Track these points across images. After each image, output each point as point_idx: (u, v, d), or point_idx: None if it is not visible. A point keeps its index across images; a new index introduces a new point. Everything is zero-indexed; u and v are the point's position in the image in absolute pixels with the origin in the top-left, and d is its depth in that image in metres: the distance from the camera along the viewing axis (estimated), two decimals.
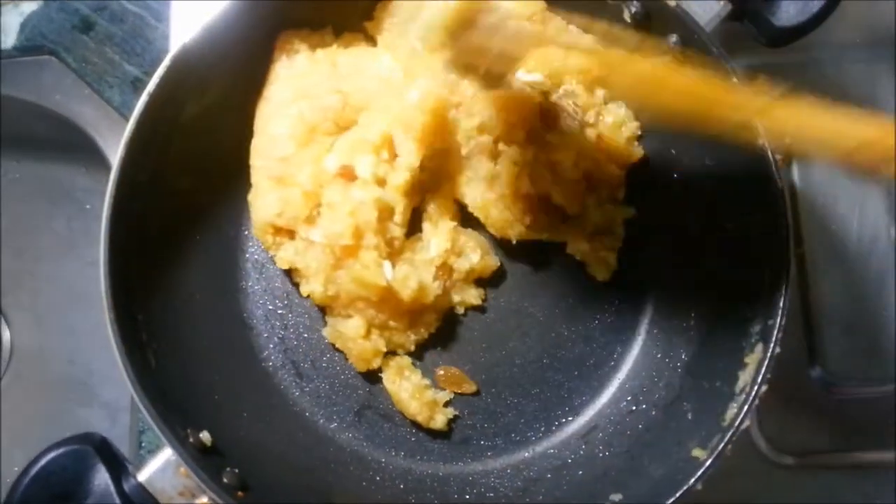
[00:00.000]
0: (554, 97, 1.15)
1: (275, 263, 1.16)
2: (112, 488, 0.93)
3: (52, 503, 0.92)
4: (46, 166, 1.51)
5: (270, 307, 1.19)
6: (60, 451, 0.94)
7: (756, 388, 0.97)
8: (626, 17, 1.07)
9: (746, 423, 0.97)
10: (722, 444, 0.96)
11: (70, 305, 1.48)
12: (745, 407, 0.97)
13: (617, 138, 1.15)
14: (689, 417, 1.07)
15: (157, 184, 1.07)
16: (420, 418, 1.15)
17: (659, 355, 1.16)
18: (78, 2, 1.40)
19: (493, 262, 1.18)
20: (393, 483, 1.14)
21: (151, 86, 1.02)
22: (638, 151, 1.17)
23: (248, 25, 1.08)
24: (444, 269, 1.15)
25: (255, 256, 1.20)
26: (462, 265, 1.16)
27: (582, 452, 1.14)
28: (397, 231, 1.12)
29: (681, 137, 1.15)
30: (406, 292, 1.10)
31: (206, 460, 0.97)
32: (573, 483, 1.12)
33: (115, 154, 1.02)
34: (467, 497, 1.13)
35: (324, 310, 1.18)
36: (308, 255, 1.11)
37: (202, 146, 1.13)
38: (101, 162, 1.33)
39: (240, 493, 0.97)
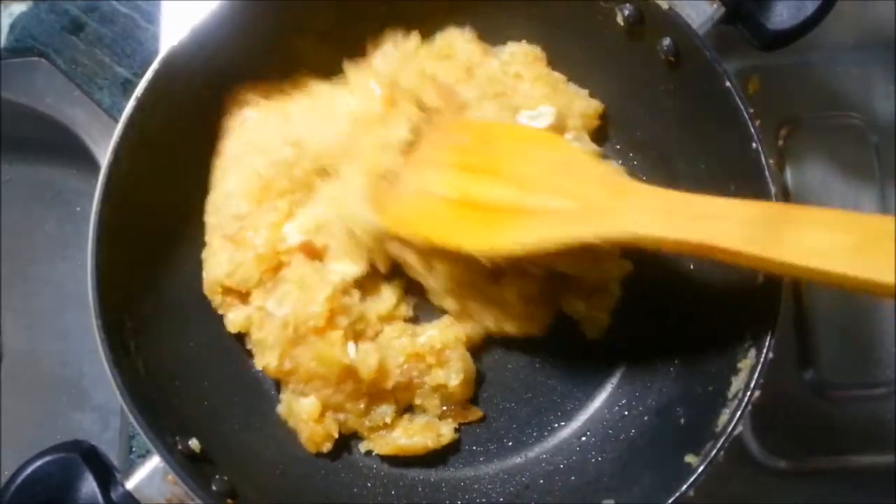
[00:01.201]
0: None
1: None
2: (99, 497, 0.92)
3: None
4: (36, 168, 1.50)
5: None
6: (47, 458, 0.93)
7: (749, 393, 0.96)
8: (619, 20, 1.06)
9: (739, 428, 0.96)
10: (714, 451, 0.96)
11: (61, 307, 1.47)
12: (738, 413, 0.96)
13: None
14: (682, 423, 1.07)
15: (146, 188, 1.06)
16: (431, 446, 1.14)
17: (651, 360, 1.16)
18: (68, 3, 1.39)
19: (467, 393, 1.15)
20: (384, 489, 1.14)
21: (140, 90, 1.01)
22: None
23: (237, 28, 1.07)
24: (416, 361, 1.12)
25: None
26: (436, 377, 1.12)
27: (574, 458, 1.14)
28: (372, 315, 1.12)
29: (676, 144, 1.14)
30: (364, 370, 1.07)
31: (194, 468, 0.97)
32: (565, 489, 1.12)
33: (105, 155, 1.01)
34: (459, 503, 1.13)
35: (278, 383, 1.15)
36: (265, 326, 1.08)
37: (191, 150, 1.12)
38: (92, 164, 1.32)
39: (229, 501, 0.97)
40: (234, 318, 1.11)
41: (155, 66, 1.02)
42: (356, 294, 1.11)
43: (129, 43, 1.38)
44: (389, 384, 1.10)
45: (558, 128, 1.13)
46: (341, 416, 1.11)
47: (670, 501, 0.95)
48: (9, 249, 1.48)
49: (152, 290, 1.08)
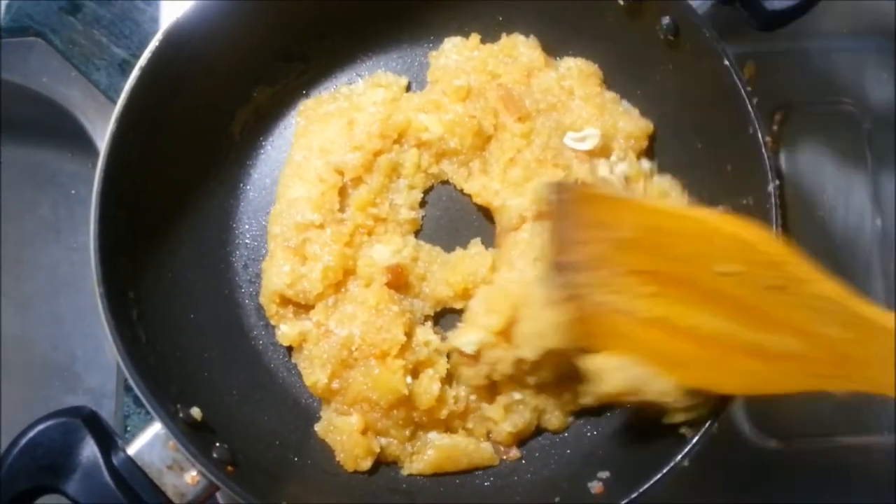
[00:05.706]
0: (602, 168, 1.13)
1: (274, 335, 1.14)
2: (101, 461, 0.92)
3: (40, 475, 0.92)
4: (32, 150, 1.49)
5: None
6: (49, 423, 0.94)
7: None
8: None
9: (734, 400, 0.97)
10: (708, 422, 0.96)
11: (55, 291, 1.47)
12: None
13: None
14: None
15: (148, 160, 1.06)
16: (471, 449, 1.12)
17: None
18: None
19: (512, 442, 1.13)
20: None
21: (143, 60, 1.02)
22: None
23: (239, 7, 1.09)
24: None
25: (246, 237, 1.20)
26: (495, 411, 1.10)
27: (570, 432, 1.14)
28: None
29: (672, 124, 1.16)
30: (423, 399, 1.06)
31: (196, 435, 0.97)
32: (562, 461, 1.12)
33: (102, 137, 1.01)
34: (456, 477, 1.13)
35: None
36: (321, 343, 1.08)
37: (193, 123, 1.13)
38: (88, 146, 1.32)
39: (229, 468, 0.97)
40: (288, 332, 1.11)
41: (158, 37, 1.03)
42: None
43: (126, 24, 1.38)
44: (444, 413, 1.09)
45: (603, 150, 1.14)
46: (384, 441, 1.10)
47: (665, 471, 0.96)
48: (2, 232, 1.47)
49: (154, 261, 1.09)
